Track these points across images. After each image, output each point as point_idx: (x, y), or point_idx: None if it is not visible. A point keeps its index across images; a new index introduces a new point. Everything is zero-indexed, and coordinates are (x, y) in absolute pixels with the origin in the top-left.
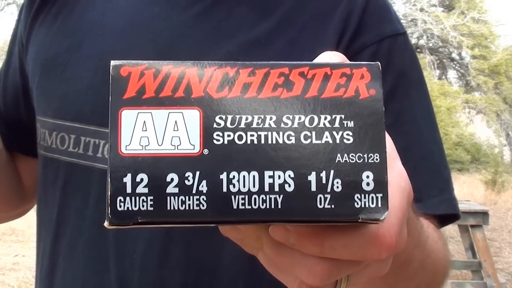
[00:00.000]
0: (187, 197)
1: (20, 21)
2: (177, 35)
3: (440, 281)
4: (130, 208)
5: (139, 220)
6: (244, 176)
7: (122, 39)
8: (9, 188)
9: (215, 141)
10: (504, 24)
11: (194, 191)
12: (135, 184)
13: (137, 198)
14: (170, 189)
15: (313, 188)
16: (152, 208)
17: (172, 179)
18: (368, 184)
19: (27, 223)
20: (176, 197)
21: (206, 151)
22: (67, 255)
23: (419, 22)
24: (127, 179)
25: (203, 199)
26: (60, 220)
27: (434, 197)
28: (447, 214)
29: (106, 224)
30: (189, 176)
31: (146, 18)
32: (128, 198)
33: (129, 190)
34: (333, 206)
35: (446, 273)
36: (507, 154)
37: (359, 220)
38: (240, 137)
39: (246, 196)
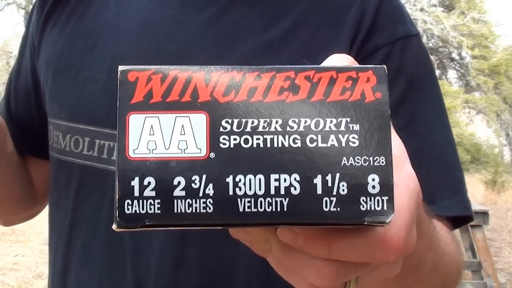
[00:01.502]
0: (194, 200)
1: (31, 23)
2: (191, 37)
3: (453, 284)
4: (137, 211)
5: (147, 223)
6: (250, 179)
7: (136, 41)
8: (20, 190)
9: (221, 145)
10: (504, 24)
11: (200, 194)
12: (142, 188)
13: (145, 201)
14: (177, 192)
15: (319, 191)
16: (159, 211)
17: (179, 182)
18: (373, 187)
19: (27, 223)
20: (183, 200)
21: (212, 155)
22: (81, 257)
23: (419, 22)
24: (135, 183)
25: (209, 202)
26: (73, 223)
27: (447, 199)
28: (460, 216)
29: (114, 226)
30: (196, 179)
31: (159, 21)
32: (135, 201)
33: (136, 193)
34: (339, 209)
35: (459, 275)
36: (507, 154)
37: (365, 223)
38: (246, 141)
39: (252, 199)
